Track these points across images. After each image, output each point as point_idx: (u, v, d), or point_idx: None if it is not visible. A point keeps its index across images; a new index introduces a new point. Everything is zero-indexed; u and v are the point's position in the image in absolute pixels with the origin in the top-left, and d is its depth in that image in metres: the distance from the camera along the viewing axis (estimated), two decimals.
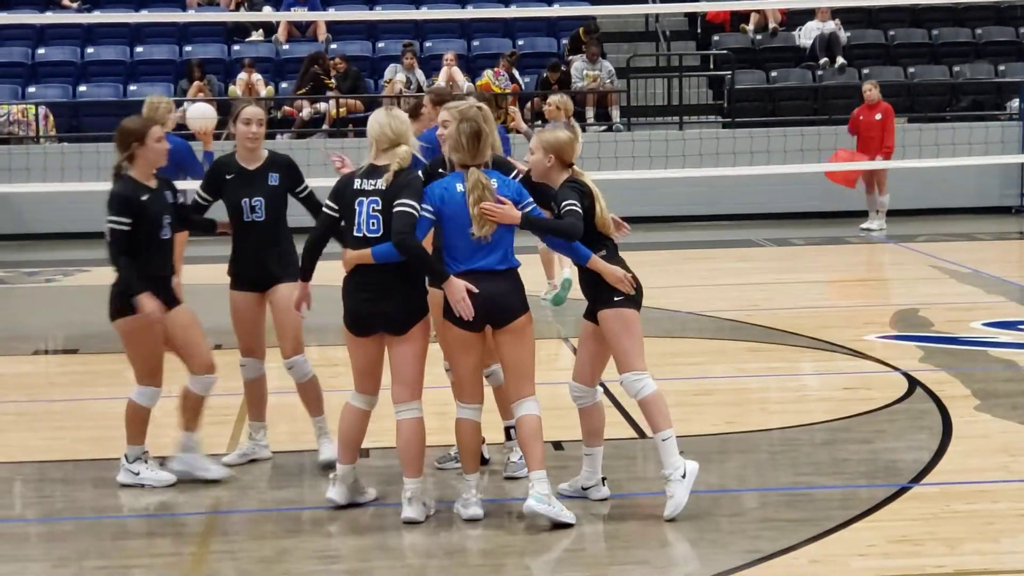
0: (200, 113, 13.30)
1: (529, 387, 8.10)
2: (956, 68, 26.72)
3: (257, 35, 27.49)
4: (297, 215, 9.31)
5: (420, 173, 8.27)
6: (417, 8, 26.96)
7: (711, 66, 27.26)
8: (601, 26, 26.76)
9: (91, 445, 10.24)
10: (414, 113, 10.55)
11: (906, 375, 11.78)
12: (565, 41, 26.75)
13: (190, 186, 10.44)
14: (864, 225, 22.72)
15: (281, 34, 27.34)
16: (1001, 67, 26.65)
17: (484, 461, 8.98)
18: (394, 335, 8.17)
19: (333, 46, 26.84)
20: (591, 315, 8.34)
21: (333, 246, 8.49)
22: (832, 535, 7.80)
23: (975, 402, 10.87)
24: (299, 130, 24.76)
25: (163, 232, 8.75)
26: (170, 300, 8.82)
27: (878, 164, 21.91)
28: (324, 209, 8.38)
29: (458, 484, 8.49)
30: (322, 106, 25.00)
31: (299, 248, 8.54)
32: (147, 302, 8.50)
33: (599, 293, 8.21)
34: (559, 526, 7.90)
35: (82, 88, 25.77)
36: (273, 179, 9.12)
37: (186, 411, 9.07)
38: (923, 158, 22.30)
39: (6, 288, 18.81)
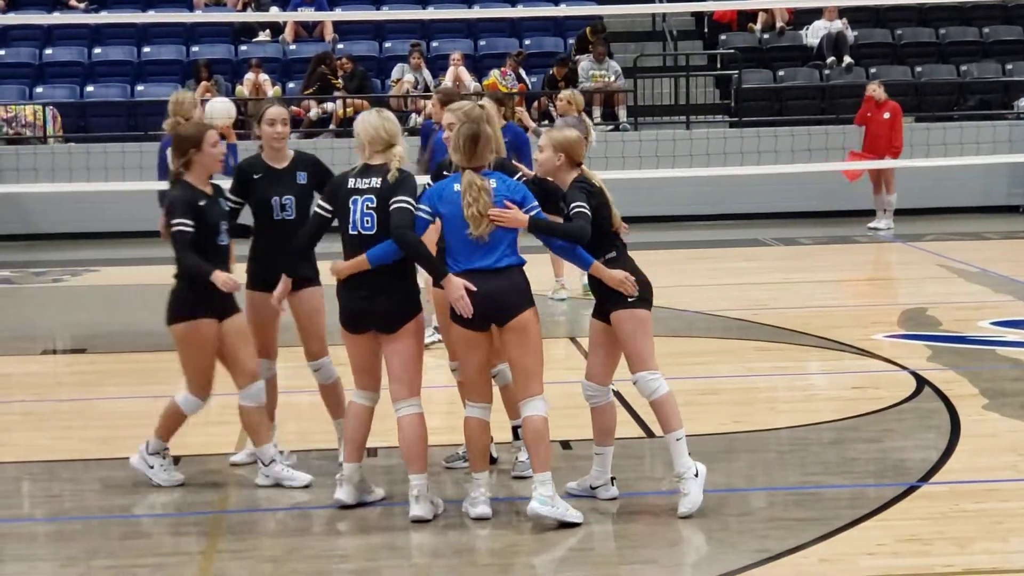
0: (222, 111, 13.43)
1: (534, 386, 8.06)
2: (963, 67, 26.69)
3: (264, 35, 27.50)
4: None
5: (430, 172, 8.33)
6: (424, 8, 26.95)
7: (718, 65, 27.23)
8: (608, 26, 26.75)
9: (99, 445, 10.25)
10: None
11: (914, 374, 11.77)
12: (572, 41, 26.74)
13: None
14: (872, 224, 22.70)
15: (288, 34, 27.35)
16: (1008, 66, 26.62)
17: (492, 460, 8.98)
18: (386, 333, 8.19)
19: (340, 46, 26.84)
20: (602, 315, 8.33)
21: (330, 246, 8.51)
22: (841, 534, 7.79)
23: (983, 401, 10.86)
24: (306, 130, 24.77)
25: (220, 238, 8.76)
26: (228, 307, 8.78)
27: (887, 163, 21.88)
28: (316, 209, 8.43)
29: (466, 483, 8.48)
30: (329, 106, 25.01)
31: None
32: (221, 276, 8.45)
33: (611, 294, 8.20)
34: (566, 525, 7.90)
35: (89, 88, 25.79)
36: (301, 177, 9.12)
37: (250, 427, 8.95)
38: (931, 157, 22.26)
39: (14, 288, 18.83)
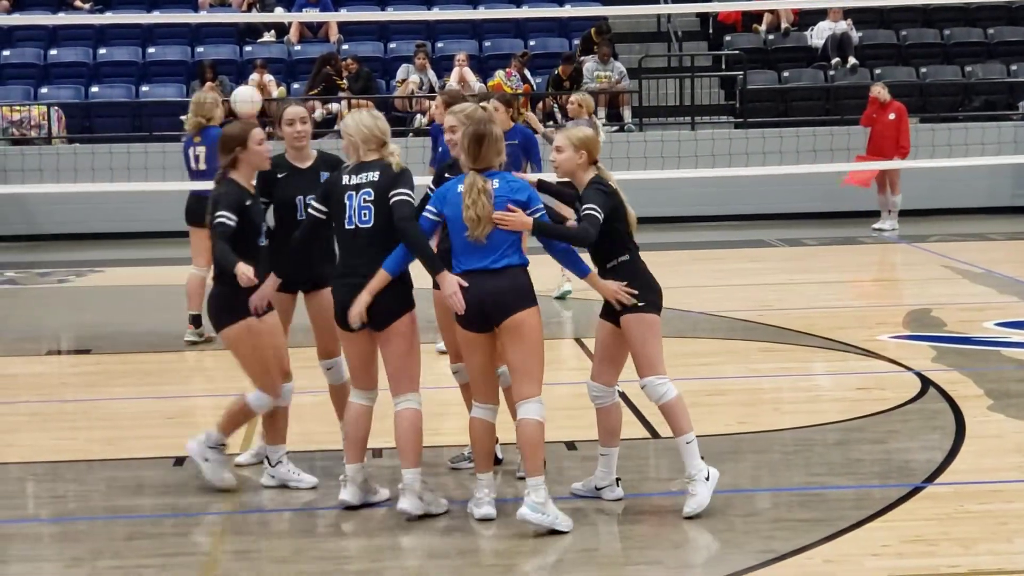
0: (246, 97, 13.48)
1: (530, 387, 7.97)
2: (968, 68, 26.67)
3: (269, 36, 27.49)
4: None
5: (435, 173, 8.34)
6: (429, 9, 26.95)
7: (723, 66, 27.23)
8: (613, 26, 26.73)
9: (104, 445, 10.26)
10: None
11: (919, 375, 11.77)
12: (577, 41, 26.72)
13: None
14: (876, 225, 22.69)
15: (293, 35, 27.35)
16: (1013, 67, 26.60)
17: (497, 461, 8.98)
18: (377, 331, 8.20)
19: (345, 47, 26.84)
20: (610, 316, 8.31)
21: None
22: (846, 535, 7.79)
23: (988, 402, 10.85)
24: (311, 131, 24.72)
25: (261, 239, 8.73)
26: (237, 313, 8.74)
27: (892, 164, 21.86)
28: (309, 211, 8.42)
29: (471, 484, 8.48)
30: (334, 107, 25.01)
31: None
32: (245, 269, 8.35)
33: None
34: (555, 533, 7.84)
35: (94, 89, 25.79)
36: (325, 176, 9.12)
37: (271, 426, 8.94)
38: (935, 158, 22.23)
39: (19, 289, 18.84)
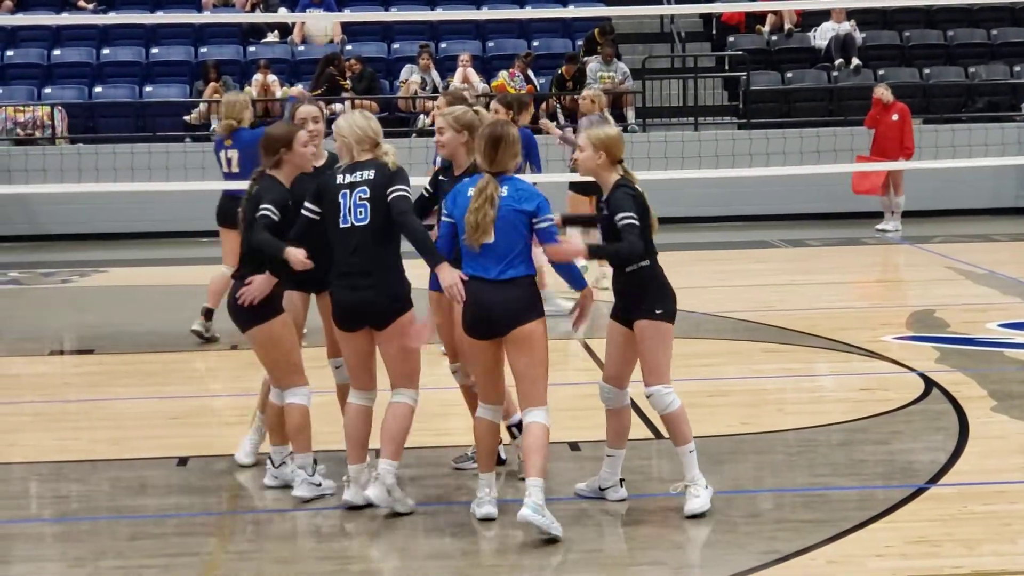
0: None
1: (537, 396, 7.94)
2: (971, 69, 26.66)
3: (272, 36, 27.51)
4: None
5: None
6: (432, 9, 26.95)
7: (726, 67, 27.22)
8: (616, 27, 26.73)
9: (107, 445, 10.26)
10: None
11: (922, 376, 11.76)
12: (580, 42, 26.73)
13: None
14: (879, 226, 22.68)
15: (296, 35, 27.37)
16: (1016, 68, 26.58)
17: (500, 461, 8.97)
18: (378, 329, 8.20)
19: (348, 47, 26.85)
20: (622, 318, 8.26)
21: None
22: (849, 536, 7.79)
23: (992, 403, 10.85)
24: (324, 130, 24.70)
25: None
26: (279, 305, 8.71)
27: (895, 165, 21.86)
28: (303, 211, 8.35)
29: (472, 484, 8.48)
30: (337, 107, 25.00)
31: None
32: (295, 251, 8.28)
33: (640, 302, 8.13)
34: (548, 538, 7.79)
35: (98, 89, 25.80)
36: None
37: (291, 427, 8.80)
38: (939, 159, 22.23)
39: (22, 289, 18.84)
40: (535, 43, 27.30)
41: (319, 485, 8.71)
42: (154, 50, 26.95)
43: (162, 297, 17.58)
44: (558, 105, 24.74)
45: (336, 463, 8.98)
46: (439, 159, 9.91)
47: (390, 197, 8.12)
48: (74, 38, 27.19)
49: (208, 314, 13.81)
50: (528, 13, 25.94)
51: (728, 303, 15.74)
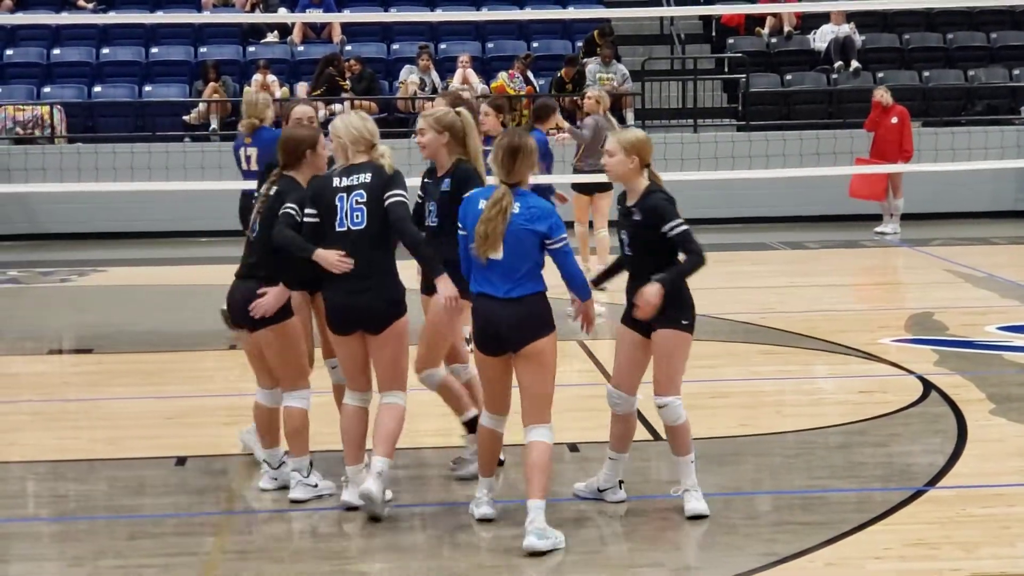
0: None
1: (542, 413, 7.83)
2: (971, 72, 26.65)
3: (272, 36, 27.50)
4: None
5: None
6: (432, 10, 26.94)
7: (726, 69, 27.21)
8: (616, 29, 26.73)
9: (106, 445, 10.26)
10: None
11: (921, 379, 11.76)
12: (580, 43, 26.74)
13: None
14: (878, 229, 22.68)
15: (296, 35, 27.36)
16: (1016, 71, 26.58)
17: (499, 463, 8.95)
18: (373, 334, 8.18)
19: (348, 48, 26.84)
20: (636, 325, 8.16)
21: None
22: (848, 538, 7.79)
23: (990, 406, 10.85)
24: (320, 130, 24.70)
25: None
26: (291, 308, 8.70)
27: (896, 168, 21.85)
28: (305, 219, 8.24)
29: (466, 486, 8.49)
30: (337, 107, 25.00)
31: None
32: (326, 253, 8.17)
33: (664, 310, 8.05)
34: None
35: (97, 88, 25.78)
36: None
37: (264, 431, 8.84)
38: (938, 162, 22.23)
39: (21, 288, 18.84)
40: (535, 44, 27.31)
41: (315, 486, 8.71)
42: (154, 50, 26.94)
43: (161, 297, 17.58)
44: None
45: (335, 463, 8.97)
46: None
47: (387, 202, 8.10)
48: (74, 37, 27.18)
49: None
50: (528, 14, 25.92)
51: (727, 305, 15.72)
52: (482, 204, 7.78)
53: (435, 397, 9.02)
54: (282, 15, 26.74)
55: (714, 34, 28.37)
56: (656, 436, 9.86)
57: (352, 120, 8.33)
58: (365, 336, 8.24)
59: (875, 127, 22.63)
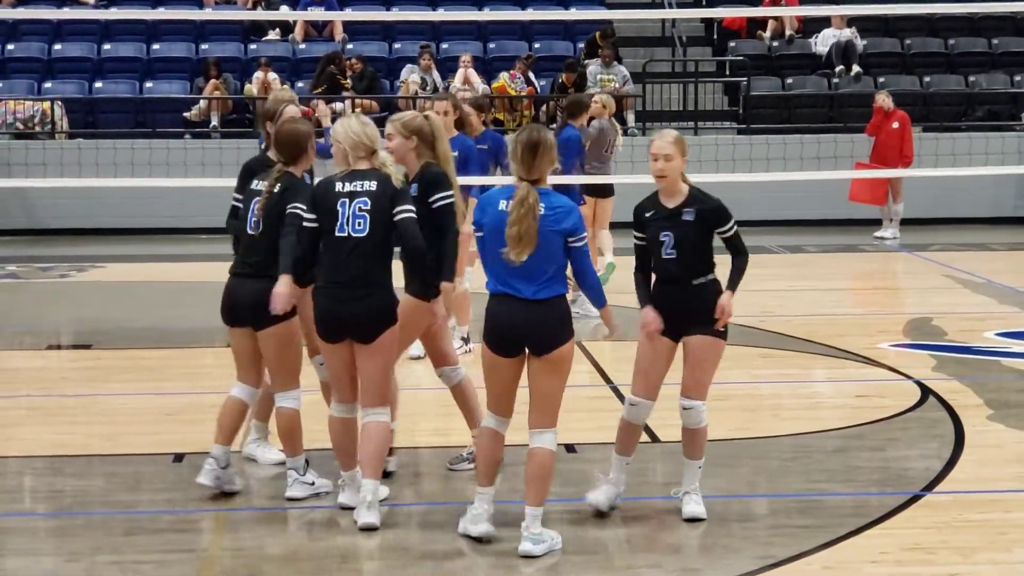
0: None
1: (547, 418, 7.73)
2: (972, 78, 26.66)
3: (274, 34, 27.50)
4: None
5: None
6: (434, 10, 26.94)
7: (727, 72, 27.22)
8: (617, 30, 26.74)
9: (104, 441, 10.26)
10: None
11: (919, 384, 11.77)
12: (581, 45, 26.74)
13: None
14: (878, 233, 22.70)
15: (298, 33, 27.36)
16: (1017, 77, 26.59)
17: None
18: (362, 343, 8.10)
19: (350, 46, 26.84)
20: (668, 331, 8.12)
21: None
22: (844, 542, 7.80)
23: (988, 412, 10.85)
24: (315, 129, 24.69)
25: None
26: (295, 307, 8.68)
27: (895, 173, 21.85)
28: (304, 224, 8.20)
29: (463, 485, 8.48)
30: (338, 106, 24.98)
31: None
32: (283, 292, 8.22)
33: (702, 314, 8.07)
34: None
35: (98, 84, 25.77)
36: None
37: (224, 427, 8.79)
38: (938, 167, 22.24)
39: (20, 283, 18.83)
40: (536, 45, 27.31)
41: (312, 484, 8.71)
42: (155, 46, 26.94)
43: (161, 293, 17.57)
44: (559, 108, 24.70)
45: (325, 460, 8.93)
46: None
47: (398, 217, 8.02)
48: (75, 33, 27.18)
49: None
50: (529, 15, 25.93)
51: None
52: (502, 205, 7.65)
53: (435, 397, 9.03)
54: (284, 13, 26.73)
55: (715, 37, 28.38)
56: (654, 439, 9.86)
57: (352, 124, 8.24)
58: (354, 345, 8.18)
59: (876, 131, 22.65)
